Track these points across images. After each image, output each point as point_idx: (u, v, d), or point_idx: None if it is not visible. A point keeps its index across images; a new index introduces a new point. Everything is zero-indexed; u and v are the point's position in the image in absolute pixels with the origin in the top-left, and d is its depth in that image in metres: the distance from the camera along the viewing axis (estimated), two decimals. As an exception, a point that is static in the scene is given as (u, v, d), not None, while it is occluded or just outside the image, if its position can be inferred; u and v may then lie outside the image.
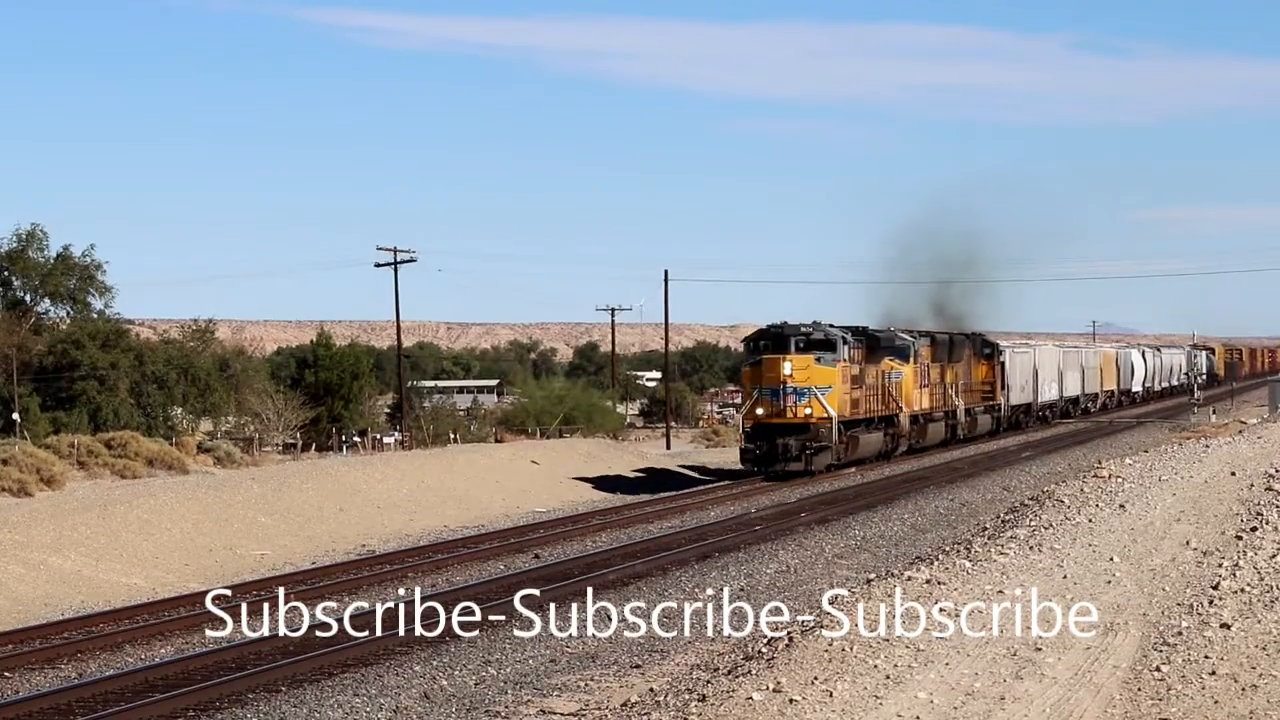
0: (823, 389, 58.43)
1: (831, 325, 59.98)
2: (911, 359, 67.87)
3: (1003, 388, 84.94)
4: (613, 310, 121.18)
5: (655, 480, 65.69)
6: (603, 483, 63.14)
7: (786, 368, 58.24)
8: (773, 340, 59.40)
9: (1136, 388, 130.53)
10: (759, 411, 58.58)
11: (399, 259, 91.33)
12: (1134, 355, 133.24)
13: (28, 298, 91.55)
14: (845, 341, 59.81)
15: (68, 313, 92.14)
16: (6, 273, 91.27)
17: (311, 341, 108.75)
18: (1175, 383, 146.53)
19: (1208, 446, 45.62)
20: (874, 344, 63.65)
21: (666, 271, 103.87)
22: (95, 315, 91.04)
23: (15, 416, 78.57)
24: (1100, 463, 44.17)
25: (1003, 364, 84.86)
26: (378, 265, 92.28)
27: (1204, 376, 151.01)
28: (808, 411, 58.31)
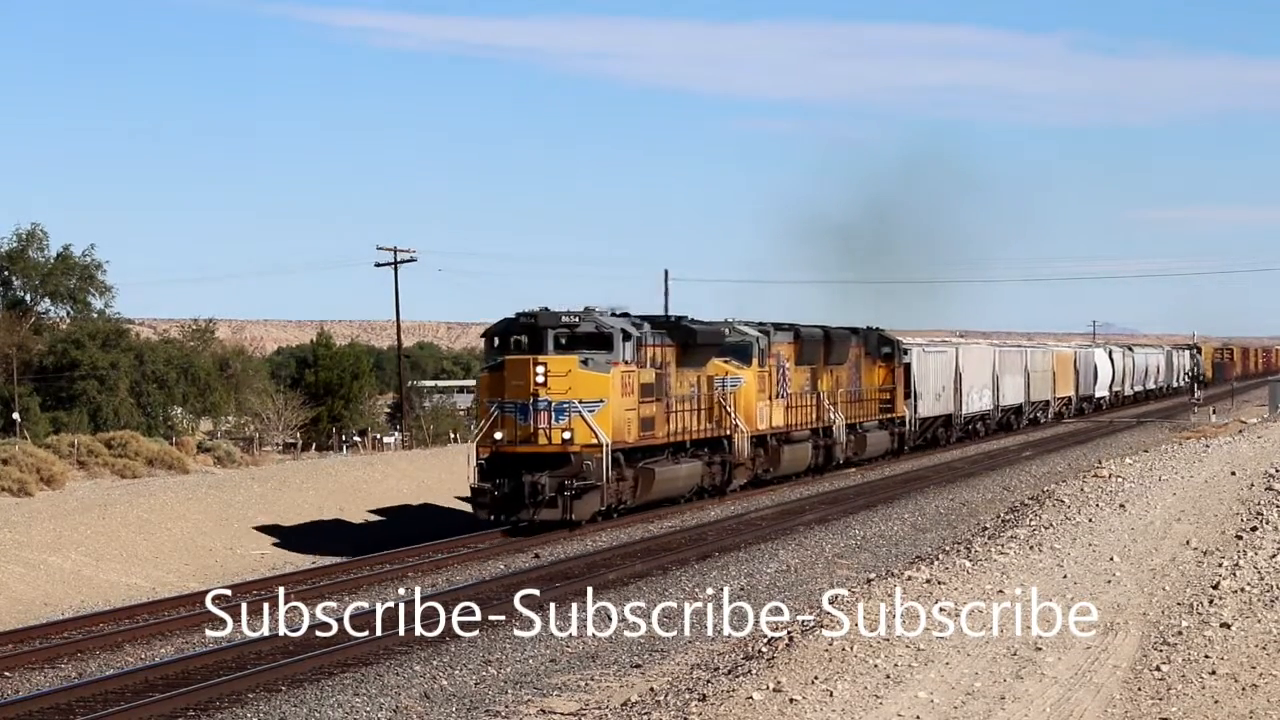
0: (591, 404, 41.64)
1: (617, 313, 45.22)
2: (755, 360, 51.71)
3: (908, 396, 69.12)
4: (612, 309, 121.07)
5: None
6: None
7: (539, 373, 41.44)
8: (522, 334, 42.63)
9: (1102, 393, 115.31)
10: (498, 436, 41.53)
11: (399, 259, 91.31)
12: (1098, 356, 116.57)
13: (28, 298, 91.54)
14: (629, 337, 43.13)
15: (68, 313, 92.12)
16: (6, 273, 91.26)
17: (311, 341, 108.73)
18: (1153, 386, 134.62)
19: (1208, 446, 45.64)
20: (688, 340, 47.13)
21: (667, 271, 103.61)
22: (95, 315, 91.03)
23: (15, 416, 78.55)
24: (1100, 462, 44.20)
25: (908, 367, 68.97)
26: (378, 265, 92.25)
27: (1188, 379, 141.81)
28: (566, 436, 41.46)
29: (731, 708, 17.22)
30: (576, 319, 42.48)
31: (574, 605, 30.42)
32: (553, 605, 30.31)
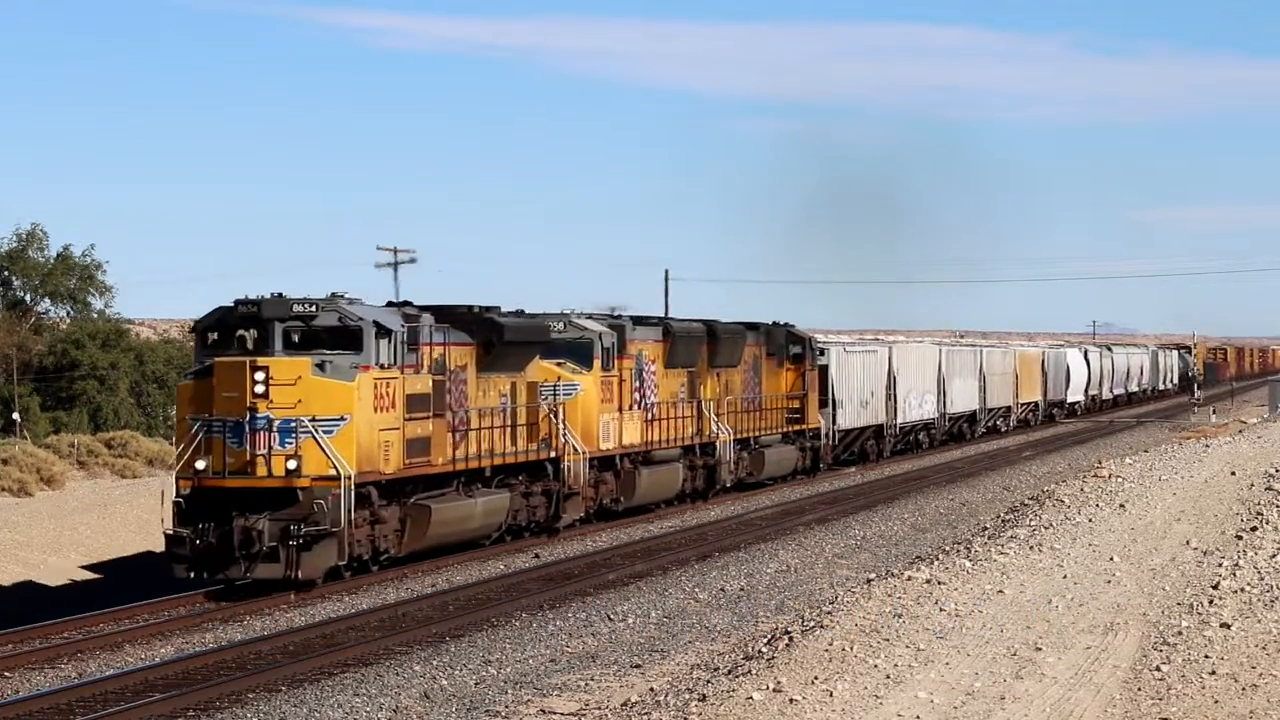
0: (328, 421, 31.70)
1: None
2: (599, 362, 42.38)
3: (826, 404, 59.64)
4: (612, 309, 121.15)
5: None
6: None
7: (258, 380, 31.52)
8: (242, 328, 33.00)
9: (1075, 397, 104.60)
10: (200, 465, 31.67)
11: (399, 259, 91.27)
12: (1070, 356, 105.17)
13: (28, 298, 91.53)
14: (386, 332, 33.16)
15: (68, 313, 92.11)
16: (6, 273, 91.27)
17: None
18: (1136, 389, 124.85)
19: (1208, 446, 45.65)
20: (494, 338, 36.66)
21: (667, 271, 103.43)
22: (95, 315, 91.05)
23: (15, 416, 78.57)
24: (1100, 462, 44.21)
25: (824, 369, 59.62)
26: (378, 265, 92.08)
27: (1178, 380, 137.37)
28: (292, 465, 31.51)
29: (731, 708, 17.23)
30: (314, 308, 32.52)
31: (574, 605, 30.45)
32: (553, 605, 30.34)
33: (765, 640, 21.80)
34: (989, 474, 60.52)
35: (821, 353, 59.14)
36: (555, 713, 21.79)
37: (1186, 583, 22.84)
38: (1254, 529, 26.73)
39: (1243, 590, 21.79)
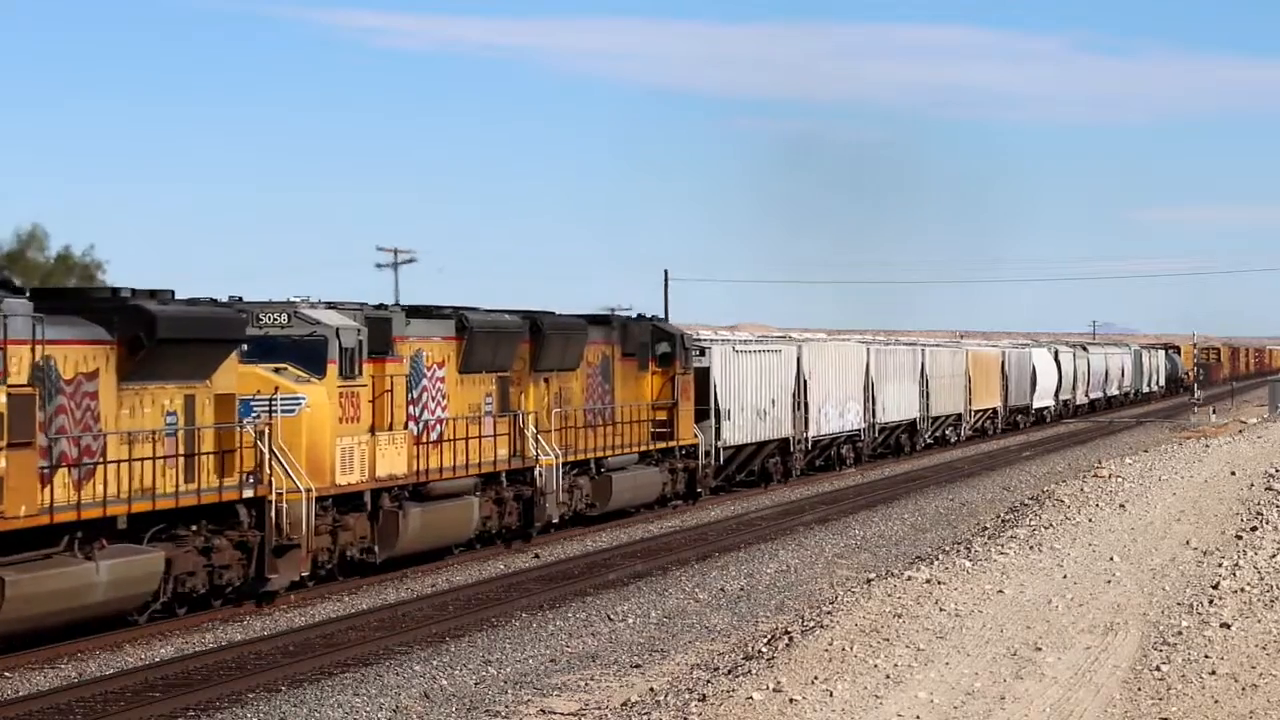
0: None
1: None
2: (339, 366, 32.18)
3: (709, 416, 49.22)
4: (613, 310, 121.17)
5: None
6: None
7: None
8: None
9: (1043, 402, 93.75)
10: None
11: (399, 259, 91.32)
12: (1037, 357, 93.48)
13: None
14: None
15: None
16: (6, 272, 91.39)
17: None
18: (1116, 392, 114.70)
19: (1208, 446, 45.64)
20: (143, 332, 27.09)
21: (667, 271, 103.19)
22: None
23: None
24: (1100, 462, 44.22)
25: (705, 373, 49.14)
26: (378, 266, 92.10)
27: (1162, 384, 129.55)
28: None
29: (731, 708, 17.23)
30: None
31: (574, 605, 30.45)
32: (553, 605, 30.35)
33: (765, 640, 21.81)
34: (989, 474, 60.52)
35: (701, 352, 49.29)
36: (555, 713, 21.79)
37: (1186, 583, 22.85)
38: (1254, 529, 26.73)
39: (1243, 590, 21.80)
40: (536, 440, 38.86)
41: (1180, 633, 19.84)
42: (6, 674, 24.95)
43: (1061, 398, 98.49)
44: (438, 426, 35.25)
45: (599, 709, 21.27)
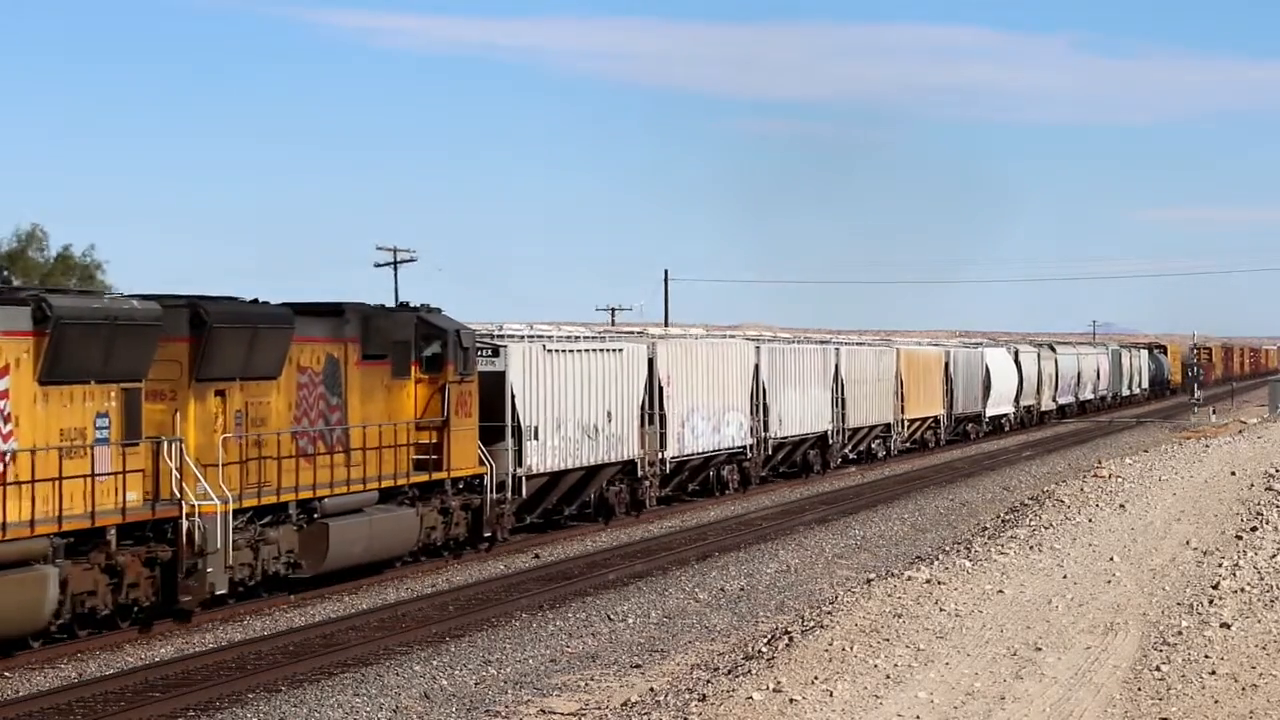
0: None
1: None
2: None
3: (500, 438, 37.79)
4: (613, 310, 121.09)
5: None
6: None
7: None
8: None
9: (1000, 409, 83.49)
10: None
11: (399, 259, 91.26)
12: (993, 357, 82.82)
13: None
14: None
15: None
16: (7, 272, 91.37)
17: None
18: (1089, 396, 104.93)
19: (1208, 446, 45.61)
20: None
21: (667, 271, 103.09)
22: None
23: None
24: (1100, 463, 44.18)
25: (499, 379, 37.95)
26: (377, 265, 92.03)
27: (1145, 387, 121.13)
28: None
29: (731, 708, 17.23)
30: None
31: (574, 605, 30.45)
32: (553, 605, 30.34)
33: (765, 640, 21.81)
34: (988, 474, 60.53)
35: (494, 353, 38.02)
36: (555, 713, 21.79)
37: (1186, 583, 22.84)
38: (1254, 529, 26.72)
39: (1243, 590, 21.79)
40: (198, 478, 27.90)
41: (1180, 633, 19.83)
42: (6, 674, 24.94)
43: (1023, 403, 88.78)
44: None
45: (599, 709, 21.27)
